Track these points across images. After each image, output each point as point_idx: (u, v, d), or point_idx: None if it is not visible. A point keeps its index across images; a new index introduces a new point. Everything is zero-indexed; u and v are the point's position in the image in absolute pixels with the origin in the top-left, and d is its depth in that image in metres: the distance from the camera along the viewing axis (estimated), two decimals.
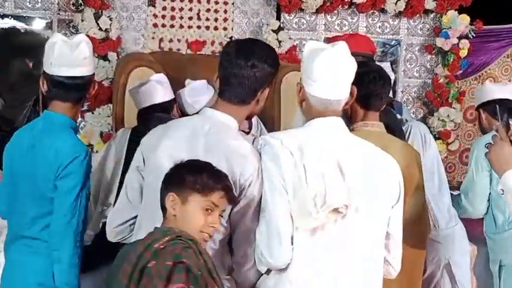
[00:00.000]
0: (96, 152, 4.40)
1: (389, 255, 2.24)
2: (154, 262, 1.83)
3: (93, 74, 2.64)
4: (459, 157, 5.45)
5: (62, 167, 2.47)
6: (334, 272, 2.10)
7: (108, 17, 4.80)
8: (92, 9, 4.74)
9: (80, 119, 4.57)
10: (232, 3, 5.24)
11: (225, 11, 5.23)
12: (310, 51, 2.17)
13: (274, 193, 2.10)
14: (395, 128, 3.03)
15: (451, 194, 3.49)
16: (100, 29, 4.76)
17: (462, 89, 5.36)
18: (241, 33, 5.26)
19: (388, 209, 2.18)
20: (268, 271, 2.18)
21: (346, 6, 5.23)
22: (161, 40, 5.11)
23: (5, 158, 2.66)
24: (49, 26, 4.97)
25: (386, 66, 3.66)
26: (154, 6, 5.13)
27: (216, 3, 5.21)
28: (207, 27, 5.20)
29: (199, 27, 5.19)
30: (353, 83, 2.39)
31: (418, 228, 2.72)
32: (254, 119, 3.31)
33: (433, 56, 5.35)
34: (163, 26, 5.13)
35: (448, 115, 5.23)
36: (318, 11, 5.20)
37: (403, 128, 3.27)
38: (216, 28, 5.22)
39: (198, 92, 3.37)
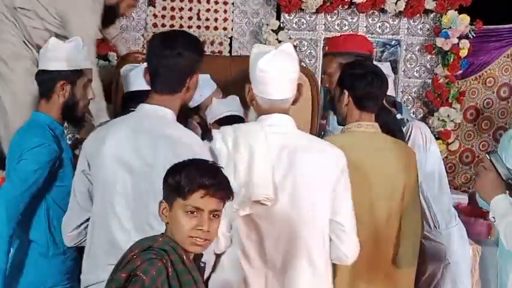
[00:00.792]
0: None
1: (339, 243, 2.30)
2: (118, 272, 1.79)
3: (67, 70, 2.63)
4: (459, 157, 5.45)
5: None
6: (265, 260, 2.26)
7: None
8: None
9: None
10: (232, 3, 5.24)
11: (225, 11, 5.23)
12: (255, 55, 2.30)
13: None
14: (395, 128, 3.02)
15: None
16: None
17: (462, 89, 5.35)
18: (241, 33, 5.26)
19: (321, 199, 2.27)
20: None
21: (346, 6, 5.22)
22: None
23: None
24: None
25: (386, 66, 3.65)
26: (154, 6, 5.14)
27: (216, 3, 5.21)
28: (207, 27, 5.20)
29: (199, 27, 5.19)
30: (350, 84, 2.49)
31: (412, 228, 2.72)
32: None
33: (433, 56, 5.34)
34: (163, 26, 5.13)
35: (448, 115, 5.22)
36: (317, 11, 5.19)
37: (404, 128, 3.27)
38: (216, 28, 5.22)
39: (202, 84, 3.34)
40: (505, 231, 2.18)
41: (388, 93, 3.00)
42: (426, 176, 3.18)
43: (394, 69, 5.09)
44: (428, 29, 5.33)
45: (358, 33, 4.98)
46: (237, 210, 2.21)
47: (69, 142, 3.25)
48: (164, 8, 5.15)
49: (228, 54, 5.24)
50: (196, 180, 1.85)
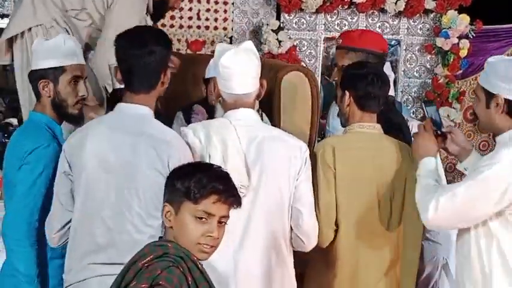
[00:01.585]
0: None
1: (298, 230, 2.44)
2: (134, 283, 1.70)
3: (46, 69, 2.59)
4: None
5: None
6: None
7: None
8: None
9: None
10: (232, 3, 5.25)
11: (225, 11, 5.24)
12: (219, 52, 2.43)
13: None
14: (402, 123, 3.03)
15: None
16: None
17: (462, 89, 5.35)
18: (241, 33, 5.27)
19: (286, 186, 2.40)
20: None
21: (346, 6, 5.22)
22: None
23: None
24: None
25: (386, 66, 3.65)
26: None
27: (216, 3, 5.21)
28: (207, 27, 5.21)
29: (199, 27, 5.20)
30: (351, 85, 2.51)
31: (413, 228, 2.72)
32: (259, 114, 3.27)
33: (433, 56, 5.35)
34: (163, 25, 5.12)
35: (448, 115, 5.23)
36: (317, 11, 5.20)
37: None
38: (216, 28, 5.22)
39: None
40: (421, 191, 2.33)
41: (389, 93, 3.00)
42: None
43: (394, 69, 5.10)
44: (428, 29, 5.34)
45: (371, 30, 4.92)
46: None
47: None
48: None
49: None
50: (209, 185, 1.80)
